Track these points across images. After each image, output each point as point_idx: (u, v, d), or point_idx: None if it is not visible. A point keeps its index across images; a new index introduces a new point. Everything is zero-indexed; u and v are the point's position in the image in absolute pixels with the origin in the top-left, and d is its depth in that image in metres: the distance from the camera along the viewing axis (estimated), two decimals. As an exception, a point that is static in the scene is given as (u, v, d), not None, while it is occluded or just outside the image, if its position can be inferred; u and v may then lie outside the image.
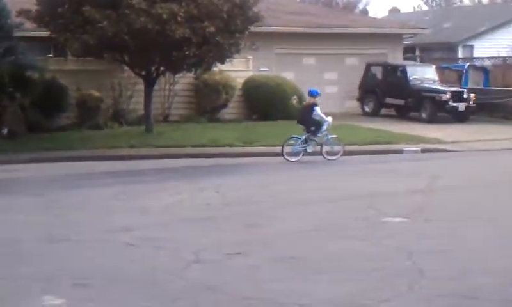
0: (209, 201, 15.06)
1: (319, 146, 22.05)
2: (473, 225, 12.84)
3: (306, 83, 32.47)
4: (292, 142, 22.07)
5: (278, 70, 33.22)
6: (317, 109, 22.06)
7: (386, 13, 65.26)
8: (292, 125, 28.11)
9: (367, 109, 34.89)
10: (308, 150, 21.88)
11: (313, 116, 22.10)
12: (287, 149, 21.85)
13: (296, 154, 21.78)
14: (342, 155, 22.01)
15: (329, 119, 22.24)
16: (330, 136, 22.15)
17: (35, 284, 9.28)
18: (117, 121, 28.09)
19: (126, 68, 26.77)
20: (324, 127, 22.04)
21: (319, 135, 22.02)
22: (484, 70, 36.37)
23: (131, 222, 12.98)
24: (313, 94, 22.57)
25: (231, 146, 23.99)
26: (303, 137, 21.94)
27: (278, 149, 22.44)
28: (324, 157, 21.96)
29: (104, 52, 24.32)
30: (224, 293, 8.92)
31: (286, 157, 21.64)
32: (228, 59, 25.09)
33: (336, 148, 22.20)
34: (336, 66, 35.67)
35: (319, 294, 8.86)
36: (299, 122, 22.81)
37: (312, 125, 22.06)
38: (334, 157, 21.94)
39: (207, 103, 30.04)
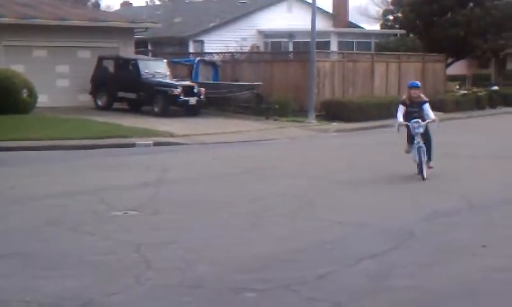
0: None
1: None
2: (199, 216, 13.21)
3: (38, 76, 31.93)
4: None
5: (7, 62, 32.28)
6: (399, 108, 18.16)
7: (118, 7, 65.25)
8: (22, 119, 27.55)
9: (99, 102, 34.80)
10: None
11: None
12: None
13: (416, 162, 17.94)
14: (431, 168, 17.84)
15: (433, 119, 17.87)
16: (417, 143, 17.71)
17: None
18: None
19: None
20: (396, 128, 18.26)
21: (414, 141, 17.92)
22: (213, 64, 37.45)
23: None
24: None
25: (-44, 141, 23.02)
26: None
27: (5, 143, 21.84)
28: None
29: None
30: None
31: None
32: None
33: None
34: (68, 59, 35.31)
35: (46, 290, 8.76)
36: None
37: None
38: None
39: None
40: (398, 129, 18.04)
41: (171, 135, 26.24)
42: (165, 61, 35.98)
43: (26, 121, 27.55)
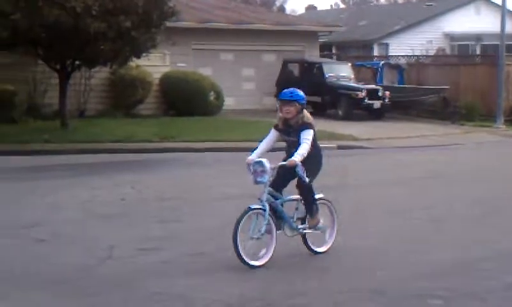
0: (124, 196, 14.96)
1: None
2: (380, 221, 13.09)
3: (224, 79, 32.69)
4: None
5: (196, 65, 33.19)
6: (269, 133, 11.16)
7: (303, 11, 65.87)
8: (209, 121, 28.28)
9: (284, 105, 35.07)
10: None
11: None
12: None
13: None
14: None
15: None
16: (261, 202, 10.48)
17: None
18: (32, 115, 27.47)
19: (40, 61, 26.25)
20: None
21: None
22: (398, 68, 37.00)
23: (43, 218, 12.81)
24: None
25: (148, 141, 23.82)
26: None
27: (194, 145, 22.41)
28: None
29: (18, 45, 23.92)
30: (136, 289, 8.91)
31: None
32: (144, 54, 24.93)
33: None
34: (253, 63, 35.87)
35: (229, 290, 8.90)
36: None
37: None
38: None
39: (124, 98, 29.80)
40: (248, 168, 10.78)
41: (355, 139, 26.14)
42: (349, 64, 35.94)
43: (214, 123, 28.22)
